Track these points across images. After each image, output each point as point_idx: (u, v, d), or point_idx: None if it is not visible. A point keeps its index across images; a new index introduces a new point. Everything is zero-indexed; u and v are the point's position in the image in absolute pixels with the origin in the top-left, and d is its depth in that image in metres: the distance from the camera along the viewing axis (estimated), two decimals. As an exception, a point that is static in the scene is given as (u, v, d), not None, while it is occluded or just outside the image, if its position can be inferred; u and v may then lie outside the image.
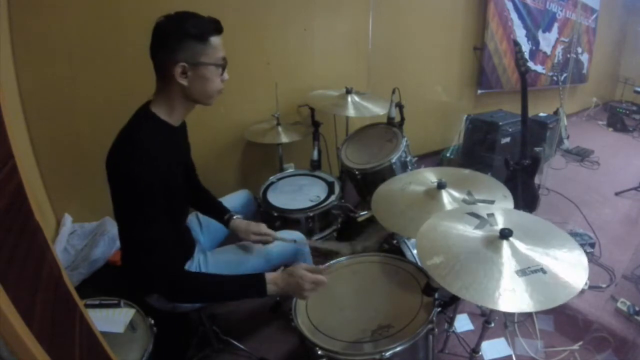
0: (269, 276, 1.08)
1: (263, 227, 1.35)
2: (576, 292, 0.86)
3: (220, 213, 1.40)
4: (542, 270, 0.89)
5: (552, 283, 0.87)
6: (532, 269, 0.89)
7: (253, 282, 1.08)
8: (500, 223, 1.05)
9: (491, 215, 1.08)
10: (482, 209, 1.12)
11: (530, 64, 3.87)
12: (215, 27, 1.03)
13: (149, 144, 1.00)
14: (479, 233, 1.02)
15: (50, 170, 1.77)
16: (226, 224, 1.38)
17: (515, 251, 0.94)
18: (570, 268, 0.91)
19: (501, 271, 0.90)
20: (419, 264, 1.30)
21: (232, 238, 1.53)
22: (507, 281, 0.87)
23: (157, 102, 1.07)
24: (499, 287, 0.86)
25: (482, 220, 1.06)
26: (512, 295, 0.84)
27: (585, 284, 1.90)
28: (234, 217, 1.38)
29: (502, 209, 1.12)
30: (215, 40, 1.03)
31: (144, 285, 1.16)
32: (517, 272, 0.89)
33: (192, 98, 1.07)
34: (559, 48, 4.25)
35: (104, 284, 1.61)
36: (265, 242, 1.34)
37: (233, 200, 1.57)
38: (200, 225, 1.46)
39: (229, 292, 1.10)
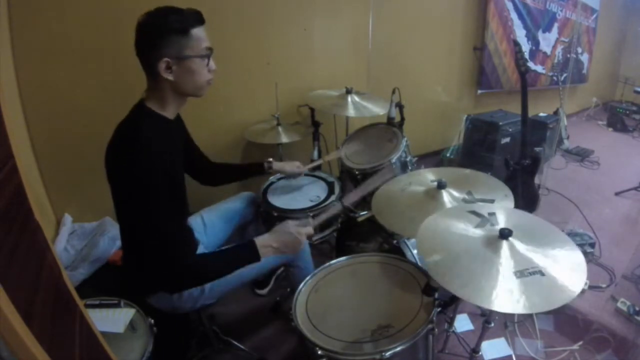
0: (261, 241, 1.12)
1: (297, 163, 1.67)
2: (574, 296, 0.85)
3: (257, 166, 1.55)
4: (541, 273, 0.89)
5: (550, 286, 0.87)
6: (531, 270, 0.89)
7: (245, 251, 1.11)
8: (501, 222, 1.04)
9: (492, 214, 1.08)
10: (483, 208, 1.12)
11: (530, 64, 3.87)
12: (196, 18, 1.03)
13: (150, 139, 1.00)
14: (479, 232, 1.02)
15: (50, 170, 1.76)
16: (269, 170, 1.57)
17: (514, 252, 0.94)
18: (568, 271, 0.91)
19: (499, 271, 0.90)
20: (419, 264, 1.30)
21: (234, 239, 1.54)
22: (505, 282, 0.87)
23: (150, 98, 1.07)
24: (497, 287, 0.86)
25: (483, 219, 1.06)
26: (509, 296, 0.84)
27: (585, 284, 1.90)
28: (270, 160, 1.57)
29: (503, 209, 1.12)
30: (197, 31, 1.02)
31: (152, 283, 1.15)
32: (515, 273, 0.89)
33: (181, 91, 1.08)
34: (559, 48, 4.25)
35: (104, 284, 1.60)
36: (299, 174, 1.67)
37: (236, 202, 1.58)
38: (205, 226, 1.46)
39: (227, 265, 1.12)
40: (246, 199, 1.62)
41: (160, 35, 0.98)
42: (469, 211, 1.10)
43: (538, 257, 0.93)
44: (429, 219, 1.10)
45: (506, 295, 0.85)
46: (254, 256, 1.10)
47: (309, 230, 1.20)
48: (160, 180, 0.98)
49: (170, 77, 1.02)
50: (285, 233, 1.15)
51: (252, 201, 1.64)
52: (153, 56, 1.00)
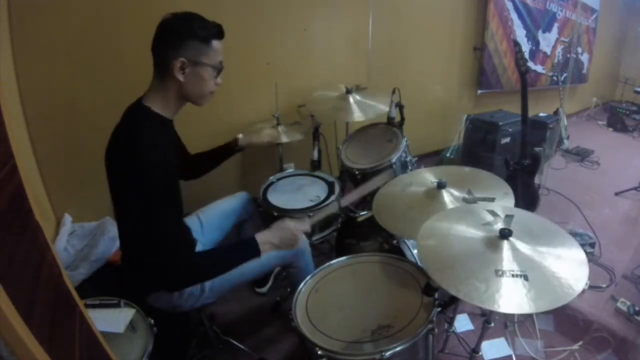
0: (261, 237, 1.15)
1: (267, 131, 1.71)
2: (573, 295, 0.85)
3: (227, 148, 1.55)
4: (525, 277, 0.88)
5: (532, 291, 0.86)
6: (516, 273, 0.89)
7: (246, 247, 1.14)
8: (503, 221, 1.03)
9: (496, 215, 1.07)
10: (485, 209, 1.11)
11: (530, 64, 3.87)
12: (218, 31, 1.08)
13: (149, 138, 1.01)
14: (480, 232, 1.01)
15: (50, 170, 1.77)
16: (236, 147, 1.56)
17: (510, 252, 0.94)
18: (568, 271, 0.91)
19: (484, 267, 0.90)
20: (419, 264, 1.30)
21: (231, 238, 1.54)
22: (486, 278, 0.88)
23: (152, 96, 1.08)
24: (476, 281, 0.87)
25: (485, 222, 1.05)
26: (482, 290, 0.85)
27: (586, 284, 1.90)
28: (238, 136, 1.57)
29: (506, 209, 1.11)
30: (216, 44, 1.08)
31: (151, 282, 1.15)
32: (496, 271, 0.89)
33: (185, 95, 1.10)
34: (559, 48, 4.25)
35: (104, 284, 1.60)
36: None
37: (232, 202, 1.58)
38: (201, 224, 1.47)
39: (229, 262, 1.14)
40: (242, 198, 1.62)
41: (184, 37, 1.02)
42: (471, 213, 1.10)
43: (537, 256, 0.93)
44: (430, 221, 1.10)
45: (482, 289, 0.86)
46: (255, 252, 1.13)
47: (306, 227, 1.23)
48: (160, 180, 0.99)
49: (180, 77, 1.05)
50: (283, 229, 1.18)
51: (249, 200, 1.64)
52: (170, 54, 1.02)
